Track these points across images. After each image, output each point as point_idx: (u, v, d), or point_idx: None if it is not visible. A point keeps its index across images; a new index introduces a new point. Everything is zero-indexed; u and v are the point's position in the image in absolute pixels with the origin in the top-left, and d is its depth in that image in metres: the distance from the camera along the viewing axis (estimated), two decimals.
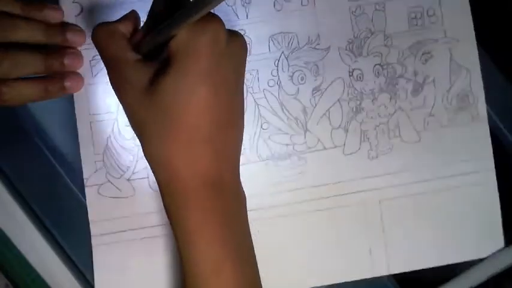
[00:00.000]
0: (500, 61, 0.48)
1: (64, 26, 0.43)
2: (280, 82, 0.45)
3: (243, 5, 0.45)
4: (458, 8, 0.46)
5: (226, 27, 0.34)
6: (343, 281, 0.45)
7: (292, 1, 0.45)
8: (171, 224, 0.36)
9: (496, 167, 0.46)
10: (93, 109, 0.45)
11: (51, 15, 0.43)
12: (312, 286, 0.45)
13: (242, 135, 0.38)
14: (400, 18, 0.46)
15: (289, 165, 0.45)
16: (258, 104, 0.45)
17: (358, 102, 0.46)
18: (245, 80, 0.44)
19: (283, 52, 0.45)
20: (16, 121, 0.45)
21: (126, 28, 0.37)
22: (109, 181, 0.45)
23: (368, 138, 0.46)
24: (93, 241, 0.45)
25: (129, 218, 0.45)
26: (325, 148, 0.45)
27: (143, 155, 0.36)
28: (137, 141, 0.43)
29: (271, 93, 0.45)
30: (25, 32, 0.41)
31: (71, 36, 0.43)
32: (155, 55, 0.35)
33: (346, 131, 0.45)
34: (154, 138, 0.35)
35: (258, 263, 0.38)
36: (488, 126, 0.46)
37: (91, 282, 0.46)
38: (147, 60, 0.35)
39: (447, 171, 0.46)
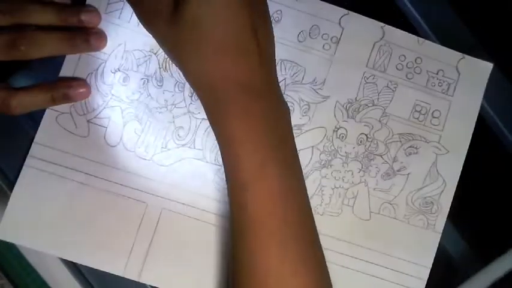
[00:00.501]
0: (500, 61, 0.47)
1: (78, 8, 0.43)
2: None
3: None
4: (463, 123, 0.46)
5: None
6: None
7: (316, 40, 0.46)
8: (216, 136, 0.38)
9: (496, 167, 0.46)
10: None
11: (90, 19, 0.43)
12: None
13: (273, 39, 0.40)
14: (405, 104, 0.46)
15: None
16: None
17: (329, 158, 0.45)
18: None
19: (285, 79, 0.45)
20: (14, 120, 0.46)
21: None
22: (70, 113, 0.44)
23: (322, 194, 0.45)
24: (28, 161, 0.44)
25: (71, 156, 0.44)
26: None
27: (185, 79, 0.38)
28: (114, 90, 0.44)
29: None
30: (38, 14, 0.41)
31: (85, 17, 0.43)
32: None
33: (306, 177, 0.45)
34: (190, 56, 0.37)
35: None
36: (438, 240, 0.45)
37: (91, 283, 0.46)
38: None
39: (381, 261, 0.45)
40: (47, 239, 0.44)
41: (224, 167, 0.38)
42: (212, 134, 0.44)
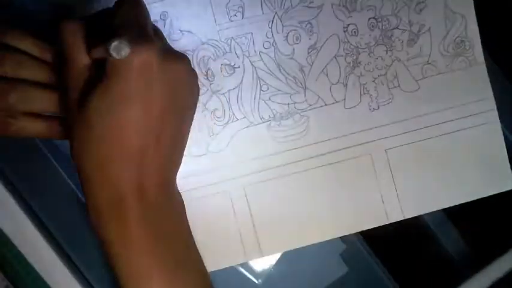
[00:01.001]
0: (500, 60, 0.48)
1: None
2: (275, 43, 0.45)
3: None
4: None
5: None
6: (359, 230, 0.46)
7: None
8: (98, 238, 0.36)
9: None
10: None
11: None
12: (327, 238, 0.46)
13: (178, 149, 0.38)
14: None
15: (292, 124, 0.45)
16: (255, 67, 0.45)
17: (354, 57, 0.46)
18: (239, 47, 0.45)
19: (276, 13, 0.45)
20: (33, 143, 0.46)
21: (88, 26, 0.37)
22: None
23: (368, 91, 0.46)
24: None
25: None
26: (326, 104, 0.46)
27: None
28: None
29: (268, 55, 0.45)
30: (38, 72, 0.40)
31: None
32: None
33: (345, 85, 0.46)
34: (81, 147, 0.35)
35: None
36: (486, 69, 0.46)
37: (91, 282, 0.46)
38: (95, 67, 0.35)
39: (449, 116, 0.46)
40: None
41: (115, 275, 0.37)
42: (247, 96, 0.45)
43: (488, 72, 0.46)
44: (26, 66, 0.40)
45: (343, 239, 0.51)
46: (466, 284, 0.47)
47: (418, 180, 0.46)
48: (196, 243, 0.40)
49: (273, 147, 0.45)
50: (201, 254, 0.41)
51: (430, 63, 0.46)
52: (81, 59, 0.36)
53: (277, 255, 0.50)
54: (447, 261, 0.50)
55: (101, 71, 0.34)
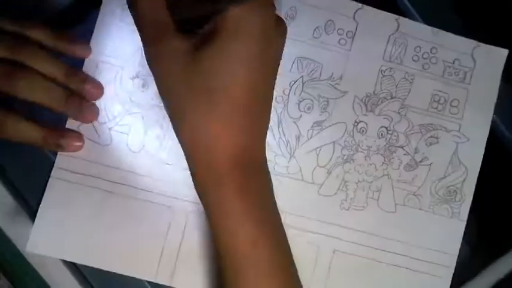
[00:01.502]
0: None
1: (86, 76, 0.43)
2: (287, 102, 0.45)
3: (286, 18, 0.45)
4: (482, 110, 0.46)
5: None
6: None
7: (332, 36, 0.46)
8: (203, 203, 0.36)
9: (495, 167, 0.46)
10: (107, 49, 0.45)
11: (81, 51, 0.43)
12: None
13: (268, 120, 0.38)
14: (423, 95, 0.46)
15: None
16: None
17: (351, 153, 0.46)
18: None
19: (302, 77, 0.45)
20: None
21: None
22: (92, 122, 0.44)
23: (347, 189, 0.45)
24: (54, 172, 0.44)
25: (96, 165, 0.44)
26: (303, 180, 0.45)
27: (175, 132, 0.35)
28: (133, 96, 0.44)
29: (275, 109, 0.45)
30: (48, 65, 0.41)
31: (89, 88, 0.43)
32: (192, 26, 0.35)
33: (329, 173, 0.45)
34: (193, 116, 0.34)
35: None
36: (464, 227, 0.46)
37: (91, 282, 0.46)
38: (185, 30, 0.35)
39: (409, 252, 0.45)
40: (76, 249, 0.44)
41: (214, 236, 0.36)
42: None
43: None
44: (41, 59, 0.40)
45: None
46: (468, 285, 0.46)
47: None
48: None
49: None
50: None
51: (415, 195, 0.46)
52: (169, 23, 0.34)
53: None
54: None
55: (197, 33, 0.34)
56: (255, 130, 0.35)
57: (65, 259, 0.44)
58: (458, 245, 0.45)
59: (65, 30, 0.43)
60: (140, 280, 0.45)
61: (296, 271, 0.39)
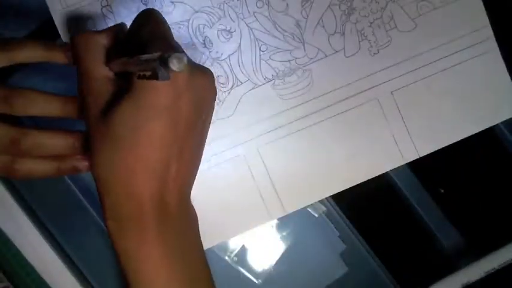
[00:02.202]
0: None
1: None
2: (268, 1, 0.45)
3: None
4: None
5: None
6: (378, 173, 0.46)
7: None
8: (115, 250, 0.36)
9: (496, 167, 0.47)
10: None
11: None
12: (347, 186, 0.46)
13: (197, 165, 0.39)
14: None
15: (296, 80, 0.45)
16: (251, 28, 0.45)
17: (348, 4, 0.46)
18: (232, 11, 0.45)
19: None
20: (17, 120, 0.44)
21: (106, 40, 0.37)
22: None
23: (366, 36, 0.46)
24: None
25: None
26: (326, 56, 0.46)
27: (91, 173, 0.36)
28: None
29: (262, 14, 0.45)
30: (43, 107, 0.40)
31: None
32: (125, 76, 0.35)
33: (343, 34, 0.46)
34: (103, 158, 0.35)
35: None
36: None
37: (91, 282, 0.46)
38: (116, 79, 0.36)
39: (449, 49, 0.46)
40: None
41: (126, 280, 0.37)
42: (247, 59, 0.45)
43: None
44: (36, 102, 0.40)
45: (342, 239, 0.52)
46: (460, 273, 0.48)
47: (428, 117, 0.46)
48: (218, 210, 0.41)
49: (280, 105, 0.46)
50: (225, 221, 0.43)
51: (424, 0, 0.46)
52: (100, 71, 0.36)
53: (277, 255, 0.52)
54: (447, 260, 0.50)
55: (122, 83, 0.35)
56: (167, 179, 0.35)
57: None
58: (485, 15, 0.46)
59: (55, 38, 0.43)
60: None
61: None
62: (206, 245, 0.41)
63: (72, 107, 0.41)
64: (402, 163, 0.46)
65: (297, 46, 0.45)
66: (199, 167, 0.39)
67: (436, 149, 0.46)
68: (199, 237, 0.40)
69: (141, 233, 0.35)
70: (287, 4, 0.45)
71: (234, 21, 0.45)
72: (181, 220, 0.38)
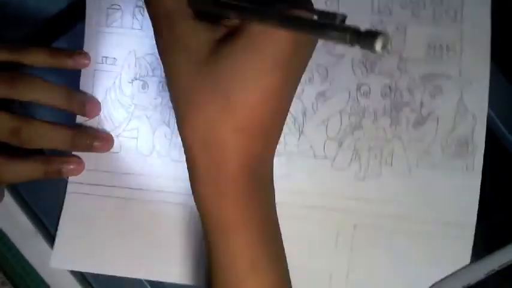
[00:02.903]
0: (500, 60, 0.47)
1: (85, 98, 0.44)
2: None
3: None
4: (479, 49, 0.45)
5: None
6: None
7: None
8: (201, 213, 0.33)
9: (496, 168, 0.45)
10: (100, 57, 0.45)
11: (81, 62, 0.43)
12: None
13: (280, 134, 0.35)
14: (419, 44, 0.44)
15: (275, 163, 0.42)
16: None
17: (358, 119, 0.44)
18: None
19: None
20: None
21: None
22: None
23: (359, 158, 0.44)
24: (69, 188, 0.44)
25: (110, 173, 0.44)
26: (315, 156, 0.44)
27: (178, 129, 0.32)
28: (135, 99, 0.43)
29: None
30: (46, 94, 0.41)
31: (89, 108, 0.43)
32: (215, 16, 0.31)
33: (340, 144, 0.44)
34: (204, 114, 0.31)
35: None
36: (480, 179, 0.44)
37: (91, 282, 0.46)
38: (205, 20, 0.31)
39: (428, 214, 0.44)
40: (100, 260, 0.44)
41: (209, 249, 0.34)
42: None
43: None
44: (38, 88, 0.41)
45: None
46: (459, 273, 0.45)
47: (374, 267, 0.44)
48: None
49: None
50: None
51: (427, 153, 0.44)
52: (188, 12, 0.31)
53: None
54: None
55: (217, 28, 0.31)
56: (267, 140, 0.33)
57: (88, 271, 0.45)
58: (477, 200, 0.44)
59: (54, 40, 0.45)
60: (140, 280, 0.45)
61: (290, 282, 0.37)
62: None
63: (76, 102, 0.42)
64: None
65: (293, 132, 0.44)
66: None
67: None
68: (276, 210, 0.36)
69: (242, 194, 0.32)
70: (303, 89, 0.44)
71: None
72: (272, 185, 0.35)
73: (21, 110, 0.43)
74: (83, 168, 0.44)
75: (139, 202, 0.44)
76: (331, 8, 0.44)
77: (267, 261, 0.34)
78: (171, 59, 0.31)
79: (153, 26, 0.32)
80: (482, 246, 0.47)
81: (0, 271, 0.47)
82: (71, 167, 0.43)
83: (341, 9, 0.44)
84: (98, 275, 0.44)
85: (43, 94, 0.41)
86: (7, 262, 0.46)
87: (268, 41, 0.29)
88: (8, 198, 0.45)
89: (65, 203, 0.44)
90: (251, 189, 0.33)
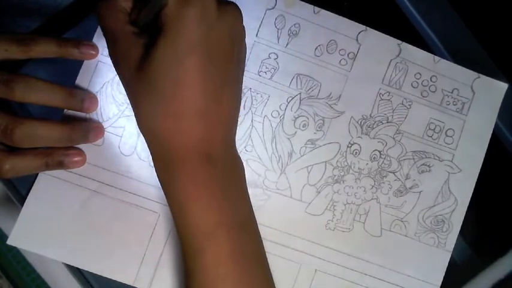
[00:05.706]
0: (500, 60, 0.48)
1: (84, 96, 0.43)
2: (283, 118, 0.45)
3: (289, 34, 0.45)
4: (477, 143, 0.46)
5: (264, 47, 0.37)
6: None
7: (333, 55, 0.46)
8: (165, 195, 0.37)
9: (496, 168, 0.45)
10: (106, 50, 0.44)
11: (88, 52, 0.43)
12: None
13: (238, 103, 0.39)
14: (419, 122, 0.46)
15: (252, 193, 0.44)
16: (253, 126, 0.45)
17: (342, 174, 0.45)
18: (250, 100, 0.45)
19: (300, 93, 0.45)
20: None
21: (126, 3, 0.39)
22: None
23: (334, 209, 0.45)
24: None
25: (86, 164, 0.44)
26: (291, 197, 0.45)
27: (138, 127, 0.37)
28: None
29: (270, 123, 0.45)
30: (44, 95, 0.40)
31: (87, 106, 0.43)
32: (152, 28, 0.37)
33: (318, 192, 0.45)
34: (148, 111, 0.36)
35: None
36: (449, 259, 0.45)
37: (91, 283, 0.46)
38: (143, 34, 0.37)
39: (390, 278, 0.45)
40: (58, 246, 0.43)
41: (177, 232, 0.37)
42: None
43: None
44: (37, 91, 0.40)
45: None
46: (467, 286, 0.46)
47: None
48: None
49: None
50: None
51: (402, 222, 0.46)
52: (125, 29, 0.37)
53: None
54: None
55: (151, 35, 0.36)
56: (205, 120, 0.36)
57: (45, 255, 0.43)
58: (442, 276, 0.45)
59: (65, 31, 0.45)
60: None
61: (265, 257, 0.39)
62: None
63: (75, 100, 0.42)
64: None
65: (275, 170, 0.45)
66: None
67: None
68: (246, 184, 0.40)
69: (189, 175, 0.36)
70: (296, 132, 0.45)
71: (244, 109, 0.45)
72: (228, 164, 0.38)
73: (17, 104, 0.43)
74: (85, 159, 0.43)
75: (109, 199, 0.44)
76: (345, 68, 0.46)
77: (225, 229, 0.36)
78: (118, 69, 0.38)
79: (106, 41, 0.39)
80: (483, 247, 0.48)
81: (2, 272, 0.47)
82: (75, 159, 0.42)
83: (353, 75, 0.46)
84: (98, 275, 0.44)
85: (42, 96, 0.40)
86: (7, 262, 0.46)
87: (181, 29, 0.34)
88: (8, 197, 0.45)
89: (35, 182, 0.43)
90: (202, 167, 0.36)
